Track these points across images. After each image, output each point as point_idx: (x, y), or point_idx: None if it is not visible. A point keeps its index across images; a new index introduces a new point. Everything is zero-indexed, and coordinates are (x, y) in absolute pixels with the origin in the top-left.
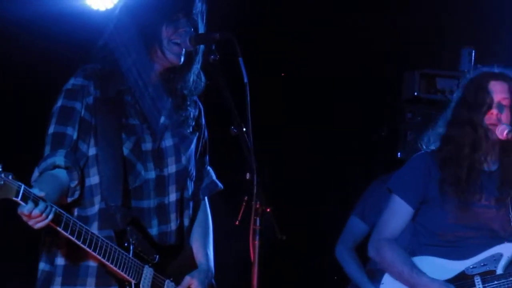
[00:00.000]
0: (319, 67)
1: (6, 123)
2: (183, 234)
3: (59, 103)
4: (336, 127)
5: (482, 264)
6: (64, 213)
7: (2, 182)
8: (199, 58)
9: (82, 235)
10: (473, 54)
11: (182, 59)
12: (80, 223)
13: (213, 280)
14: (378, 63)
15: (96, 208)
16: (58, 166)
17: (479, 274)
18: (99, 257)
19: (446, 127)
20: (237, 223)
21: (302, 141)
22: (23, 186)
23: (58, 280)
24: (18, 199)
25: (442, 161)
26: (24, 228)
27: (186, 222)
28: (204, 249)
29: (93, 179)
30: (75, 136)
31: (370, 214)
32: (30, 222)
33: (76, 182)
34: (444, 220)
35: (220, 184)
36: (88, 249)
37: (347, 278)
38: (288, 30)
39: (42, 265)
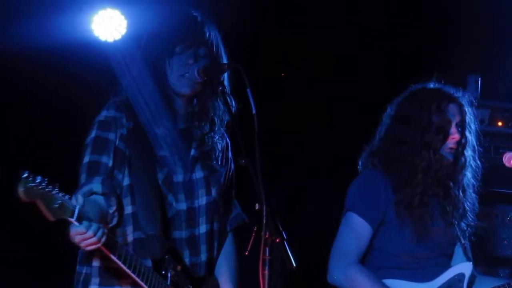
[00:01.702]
0: (325, 92)
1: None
2: (212, 266)
3: (93, 134)
4: (346, 159)
5: (447, 285)
6: (112, 236)
7: (60, 202)
8: (222, 82)
9: (128, 260)
10: (479, 81)
11: (192, 89)
12: (126, 247)
13: None
14: (384, 90)
15: (129, 238)
16: (95, 193)
17: None
18: (142, 283)
19: (395, 146)
20: (246, 253)
21: (312, 173)
22: (78, 206)
23: (95, 280)
24: (73, 220)
25: (397, 183)
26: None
27: (215, 254)
28: (230, 284)
29: (126, 209)
30: (110, 164)
31: None
32: (83, 244)
33: (114, 208)
34: (403, 241)
35: (245, 216)
36: (133, 275)
37: None
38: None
39: (80, 267)
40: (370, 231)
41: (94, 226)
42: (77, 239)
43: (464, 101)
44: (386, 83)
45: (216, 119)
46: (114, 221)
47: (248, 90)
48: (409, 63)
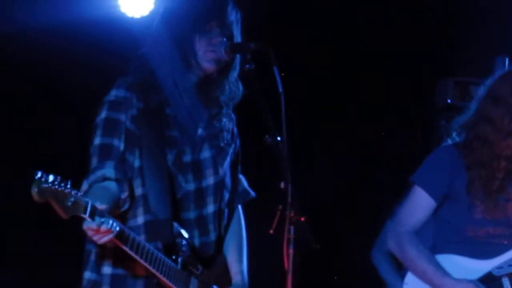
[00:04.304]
0: (352, 72)
1: (44, 132)
2: (221, 244)
3: (103, 114)
4: (371, 135)
5: (509, 264)
6: (124, 228)
7: (73, 199)
8: (235, 66)
9: (140, 250)
10: (507, 62)
11: (216, 66)
12: (137, 238)
13: None
14: (411, 71)
15: (139, 220)
16: (108, 178)
17: (506, 275)
18: (154, 271)
19: (481, 124)
20: (271, 232)
21: (336, 149)
22: (90, 202)
23: None
24: (86, 216)
25: (473, 162)
26: (62, 236)
27: (223, 232)
28: (239, 264)
29: (137, 191)
30: (121, 148)
31: None
32: (95, 237)
33: (126, 193)
34: (471, 215)
35: (252, 192)
36: (144, 263)
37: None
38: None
39: (88, 274)
40: (432, 204)
41: (106, 222)
42: (89, 233)
43: None
44: (412, 63)
45: (224, 102)
46: (126, 206)
47: (275, 68)
48: (436, 47)
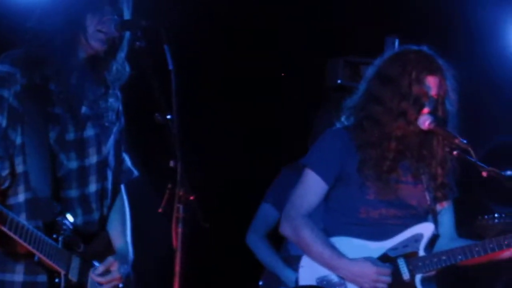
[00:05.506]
0: (244, 51)
1: None
2: (104, 222)
3: None
4: (262, 115)
5: (403, 245)
6: (3, 208)
7: None
8: (123, 47)
9: (19, 230)
10: (397, 43)
11: (106, 46)
12: (17, 218)
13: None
14: (301, 50)
15: (20, 197)
16: None
17: (402, 256)
18: (34, 250)
19: (371, 105)
20: (160, 210)
21: (226, 128)
22: None
23: None
24: None
25: (364, 142)
26: None
27: (106, 211)
28: (123, 236)
29: (18, 168)
30: (4, 124)
31: (281, 200)
32: None
33: (7, 171)
34: (363, 196)
35: (135, 171)
36: (24, 243)
37: (260, 267)
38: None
39: None
40: (324, 187)
41: None
42: None
43: (445, 74)
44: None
45: (111, 82)
46: (7, 184)
47: (166, 46)
48: (325, 25)
